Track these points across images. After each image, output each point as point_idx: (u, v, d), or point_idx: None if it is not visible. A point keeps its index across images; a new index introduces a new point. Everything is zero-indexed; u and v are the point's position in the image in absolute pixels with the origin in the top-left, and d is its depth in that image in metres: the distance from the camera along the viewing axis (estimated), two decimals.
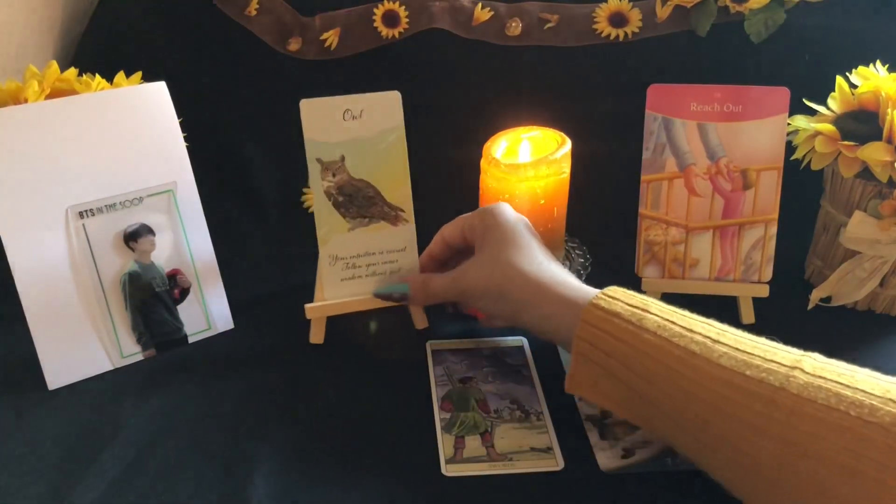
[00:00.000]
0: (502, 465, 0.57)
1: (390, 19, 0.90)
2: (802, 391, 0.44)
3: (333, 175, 0.65)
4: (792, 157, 0.72)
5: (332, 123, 0.64)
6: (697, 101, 0.69)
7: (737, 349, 0.48)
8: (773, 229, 0.70)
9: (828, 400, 0.43)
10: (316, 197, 0.65)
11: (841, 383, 0.44)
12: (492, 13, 0.90)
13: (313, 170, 0.64)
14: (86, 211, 0.64)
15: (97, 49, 0.92)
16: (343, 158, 0.65)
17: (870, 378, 0.45)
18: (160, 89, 0.67)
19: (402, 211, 0.68)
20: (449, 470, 0.56)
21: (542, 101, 0.90)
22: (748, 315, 0.72)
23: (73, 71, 0.71)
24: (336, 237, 0.67)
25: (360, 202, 0.66)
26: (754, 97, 0.68)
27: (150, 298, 0.68)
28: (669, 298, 0.73)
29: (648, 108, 0.70)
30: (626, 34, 0.89)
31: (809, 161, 0.71)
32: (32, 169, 0.62)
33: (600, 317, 0.53)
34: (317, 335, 0.69)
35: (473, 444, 0.59)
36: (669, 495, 0.54)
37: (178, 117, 0.68)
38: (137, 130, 0.66)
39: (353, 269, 0.68)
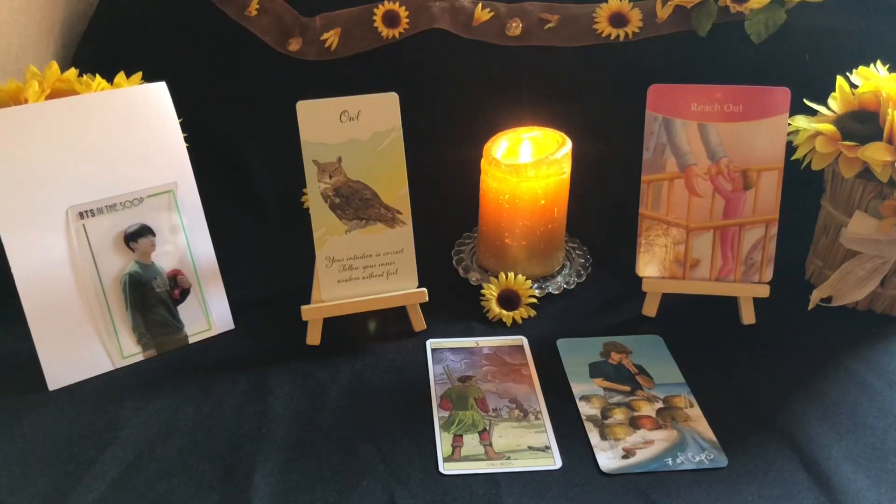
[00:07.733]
0: (500, 463, 0.57)
1: (390, 19, 0.90)
2: None
3: (330, 177, 0.65)
4: (792, 158, 0.72)
5: (330, 125, 0.64)
6: (698, 102, 0.68)
7: None
8: (774, 229, 0.70)
9: None
10: (312, 199, 0.65)
11: None
12: (492, 13, 0.90)
13: (310, 172, 0.64)
14: (86, 211, 0.64)
15: (97, 49, 0.92)
16: (340, 160, 0.65)
17: None
18: (160, 89, 0.67)
19: (400, 213, 0.68)
20: (447, 468, 0.56)
21: (543, 101, 0.90)
22: (749, 315, 0.72)
23: (73, 71, 0.71)
24: (333, 239, 0.67)
25: (356, 204, 0.66)
26: (755, 97, 0.67)
27: (151, 299, 0.68)
28: (671, 299, 0.73)
29: (649, 109, 0.70)
30: (626, 34, 0.89)
31: (810, 161, 0.71)
32: (33, 169, 0.62)
33: None
34: (313, 337, 0.69)
35: (472, 442, 0.59)
36: (670, 496, 0.54)
37: (179, 117, 0.68)
38: (138, 131, 0.66)
39: (350, 271, 0.68)
